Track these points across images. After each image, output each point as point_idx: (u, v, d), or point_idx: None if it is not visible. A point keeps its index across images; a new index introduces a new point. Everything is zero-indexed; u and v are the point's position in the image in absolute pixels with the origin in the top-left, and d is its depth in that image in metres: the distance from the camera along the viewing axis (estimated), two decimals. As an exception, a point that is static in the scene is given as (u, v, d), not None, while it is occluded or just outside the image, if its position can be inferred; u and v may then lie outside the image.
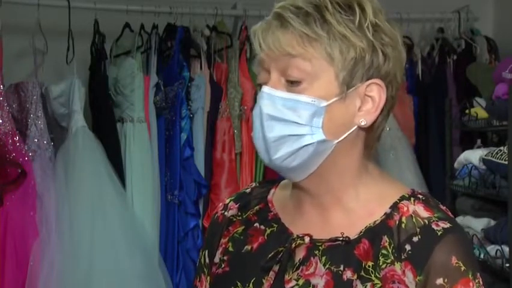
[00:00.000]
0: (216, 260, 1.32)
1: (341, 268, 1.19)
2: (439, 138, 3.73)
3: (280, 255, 1.22)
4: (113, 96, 3.57)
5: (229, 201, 1.36)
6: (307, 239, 1.22)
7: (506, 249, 2.79)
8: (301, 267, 1.21)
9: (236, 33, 3.79)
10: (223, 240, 1.32)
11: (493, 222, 3.01)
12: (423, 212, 1.20)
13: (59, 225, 3.25)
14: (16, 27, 3.47)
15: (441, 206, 1.23)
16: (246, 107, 3.68)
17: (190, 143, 3.57)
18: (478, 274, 1.18)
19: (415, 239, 1.18)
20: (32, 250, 3.19)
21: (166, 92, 3.58)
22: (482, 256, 2.89)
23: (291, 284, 1.21)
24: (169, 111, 3.58)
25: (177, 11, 3.67)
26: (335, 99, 1.17)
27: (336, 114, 1.18)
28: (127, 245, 3.34)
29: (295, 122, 1.17)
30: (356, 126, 1.20)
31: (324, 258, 1.21)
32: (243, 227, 1.31)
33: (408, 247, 1.18)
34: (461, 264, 1.17)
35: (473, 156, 3.08)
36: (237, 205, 1.34)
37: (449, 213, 1.23)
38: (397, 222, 1.20)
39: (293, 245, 1.22)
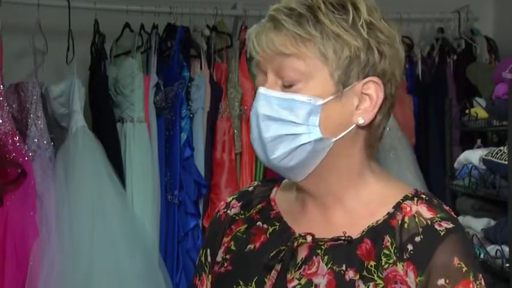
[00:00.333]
0: (218, 258, 1.31)
1: (343, 268, 1.19)
2: (439, 138, 3.73)
3: (282, 254, 1.22)
4: (113, 96, 3.57)
5: (232, 200, 1.36)
6: (309, 238, 1.22)
7: (506, 249, 2.79)
8: (303, 267, 1.22)
9: (236, 33, 3.79)
10: (225, 239, 1.32)
11: (493, 222, 3.01)
12: (426, 213, 1.20)
13: (59, 225, 3.25)
14: (16, 27, 3.47)
15: (445, 206, 1.23)
16: (246, 107, 3.68)
17: (190, 143, 3.57)
18: (480, 275, 1.18)
19: (417, 239, 1.18)
20: (32, 250, 3.19)
21: (166, 92, 3.58)
22: (482, 256, 2.90)
23: (293, 284, 1.21)
24: (169, 111, 3.58)
25: (177, 11, 3.67)
26: (330, 97, 1.17)
27: (333, 113, 1.18)
28: (127, 245, 3.34)
29: (292, 121, 1.17)
30: (354, 125, 1.20)
31: (326, 257, 1.21)
32: (245, 226, 1.31)
33: (410, 247, 1.18)
34: (463, 265, 1.17)
35: (473, 156, 3.08)
36: (240, 203, 1.34)
37: (452, 213, 1.23)
38: (400, 222, 1.20)
39: (295, 244, 1.22)
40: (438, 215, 1.20)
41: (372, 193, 1.24)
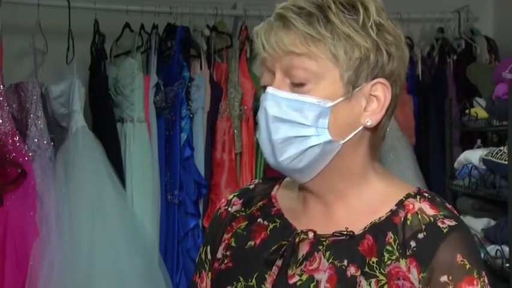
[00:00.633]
0: (219, 255, 1.31)
1: (345, 263, 1.19)
2: (439, 138, 3.73)
3: (283, 249, 1.22)
4: (113, 96, 3.57)
5: (233, 197, 1.36)
6: (311, 234, 1.22)
7: (506, 249, 2.79)
8: (304, 263, 1.21)
9: (236, 33, 3.79)
10: (226, 236, 1.32)
11: (493, 222, 3.01)
12: (429, 210, 1.20)
13: (59, 225, 3.25)
14: (16, 27, 3.47)
15: (447, 205, 1.23)
16: (246, 107, 3.68)
17: (190, 143, 3.57)
18: (483, 273, 1.18)
19: (420, 235, 1.18)
20: (32, 250, 3.19)
21: (166, 92, 3.58)
22: (482, 256, 2.89)
23: (294, 279, 1.21)
24: (169, 111, 3.58)
25: (177, 11, 3.67)
26: (340, 99, 1.17)
27: (342, 115, 1.17)
28: (127, 245, 3.34)
29: (301, 123, 1.16)
30: (361, 127, 1.20)
31: (328, 253, 1.20)
32: (246, 223, 1.31)
33: (413, 244, 1.17)
34: (466, 262, 1.16)
35: (473, 156, 3.08)
36: (241, 201, 1.34)
37: (455, 211, 1.23)
38: (402, 218, 1.20)
39: (297, 240, 1.22)
40: (441, 213, 1.20)
41: (375, 192, 1.24)
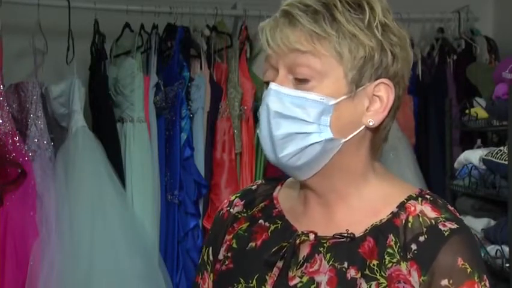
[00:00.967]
0: (220, 256, 1.31)
1: (345, 265, 1.19)
2: (439, 138, 3.73)
3: (284, 251, 1.22)
4: (113, 96, 3.57)
5: (235, 198, 1.36)
6: (312, 236, 1.22)
7: (506, 249, 2.79)
8: (305, 264, 1.21)
9: (236, 33, 3.79)
10: (227, 237, 1.32)
11: (493, 222, 3.01)
12: (430, 212, 1.20)
13: (59, 225, 3.25)
14: (16, 27, 3.47)
15: (449, 207, 1.22)
16: (246, 107, 3.68)
17: (190, 143, 3.57)
18: (485, 276, 1.17)
19: (421, 238, 1.17)
20: (32, 250, 3.19)
21: (166, 92, 3.58)
22: (482, 256, 2.89)
23: (294, 281, 1.21)
24: (169, 111, 3.58)
25: (177, 11, 3.67)
26: (343, 97, 1.17)
27: (345, 113, 1.17)
28: (127, 245, 3.34)
29: (303, 120, 1.16)
30: (363, 126, 1.20)
31: (328, 255, 1.20)
32: (247, 224, 1.30)
33: (414, 247, 1.17)
34: (467, 266, 1.16)
35: (473, 156, 3.08)
36: (242, 202, 1.34)
37: (457, 214, 1.22)
38: (404, 221, 1.19)
39: (297, 241, 1.22)
40: (443, 215, 1.19)
41: (376, 193, 1.23)
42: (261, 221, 1.29)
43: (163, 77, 3.61)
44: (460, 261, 1.16)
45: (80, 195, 3.33)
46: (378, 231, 1.19)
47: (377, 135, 1.23)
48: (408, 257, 1.17)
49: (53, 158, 3.37)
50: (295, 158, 1.18)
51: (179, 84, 3.57)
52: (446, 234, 1.17)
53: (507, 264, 2.78)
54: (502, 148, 2.91)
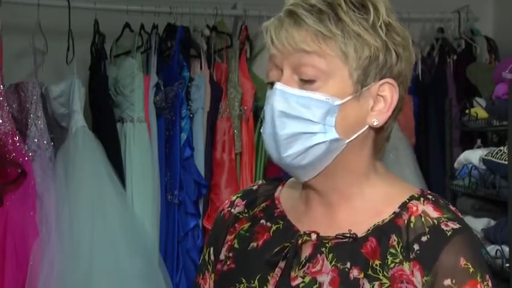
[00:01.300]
0: (222, 257, 1.31)
1: (348, 266, 1.19)
2: (439, 138, 3.73)
3: (286, 251, 1.21)
4: (113, 96, 3.57)
5: (236, 198, 1.36)
6: (314, 236, 1.21)
7: (506, 249, 2.79)
8: (307, 265, 1.21)
9: (236, 33, 3.79)
10: (229, 237, 1.32)
11: (493, 222, 3.02)
12: (432, 212, 1.20)
13: (59, 225, 3.25)
14: (16, 27, 3.47)
15: (451, 207, 1.22)
16: (246, 107, 3.68)
17: (190, 143, 3.57)
18: (487, 276, 1.17)
19: (424, 238, 1.17)
20: (32, 250, 3.19)
21: (166, 92, 3.58)
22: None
23: (297, 282, 1.21)
24: (169, 111, 3.58)
25: (177, 11, 3.67)
26: (349, 97, 1.17)
27: (350, 113, 1.18)
28: (127, 245, 3.34)
29: (309, 120, 1.16)
30: (367, 126, 1.20)
31: (330, 255, 1.20)
32: (249, 224, 1.30)
33: (416, 247, 1.17)
34: (470, 266, 1.16)
35: (473, 156, 3.08)
36: (244, 202, 1.34)
37: (459, 214, 1.22)
38: (406, 221, 1.19)
39: (299, 241, 1.22)
40: (445, 215, 1.19)
41: (378, 193, 1.23)
42: (262, 221, 1.29)
43: (163, 77, 3.61)
44: (462, 261, 1.16)
45: (80, 195, 3.33)
46: (381, 232, 1.19)
47: (379, 135, 1.23)
48: (411, 257, 1.17)
49: (53, 158, 3.37)
50: (299, 158, 1.18)
51: (179, 84, 3.57)
52: (448, 234, 1.17)
53: (507, 264, 2.78)
54: (502, 148, 2.92)
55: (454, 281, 1.15)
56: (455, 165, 3.28)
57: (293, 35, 1.16)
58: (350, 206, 1.23)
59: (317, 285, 1.19)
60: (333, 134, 1.17)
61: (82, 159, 3.37)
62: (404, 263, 1.17)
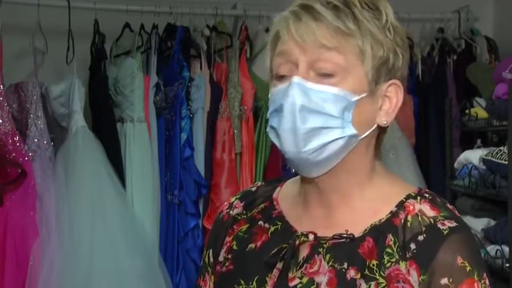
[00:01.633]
0: (221, 258, 1.31)
1: (345, 266, 1.19)
2: (439, 138, 3.73)
3: (284, 252, 1.22)
4: (113, 96, 3.57)
5: (234, 200, 1.36)
6: (311, 237, 1.22)
7: (506, 249, 2.79)
8: (305, 265, 1.21)
9: (236, 33, 3.79)
10: (227, 239, 1.32)
11: (493, 222, 3.01)
12: (429, 211, 1.20)
13: (59, 225, 3.25)
14: (16, 27, 3.47)
15: (448, 205, 1.22)
16: (246, 107, 3.68)
17: (190, 143, 3.57)
18: (485, 274, 1.17)
19: (420, 237, 1.17)
20: (32, 250, 3.19)
21: (166, 92, 3.58)
22: (482, 256, 2.89)
23: (294, 282, 1.21)
24: (169, 111, 3.58)
25: (177, 11, 3.67)
26: (364, 95, 1.18)
27: (364, 111, 1.18)
28: (127, 245, 3.34)
29: (329, 114, 1.16)
30: (376, 125, 1.21)
31: (328, 256, 1.20)
32: (247, 225, 1.30)
33: (413, 246, 1.17)
34: (467, 264, 1.16)
35: (473, 156, 3.08)
36: (242, 203, 1.34)
37: (456, 212, 1.22)
38: (403, 220, 1.19)
39: (297, 242, 1.22)
40: (442, 214, 1.20)
41: (377, 192, 1.24)
42: (260, 222, 1.29)
43: (163, 77, 3.61)
44: (459, 260, 1.16)
45: (80, 195, 3.32)
46: (378, 231, 1.19)
47: (382, 135, 1.24)
48: (407, 256, 1.17)
49: (53, 158, 3.37)
50: (316, 153, 1.17)
51: (179, 84, 3.57)
52: (445, 233, 1.17)
53: (507, 264, 2.78)
54: (502, 148, 2.91)
55: (450, 280, 1.15)
56: (455, 165, 3.28)
57: (314, 30, 1.16)
58: (349, 206, 1.23)
59: (315, 285, 1.19)
60: (351, 130, 1.17)
61: (82, 159, 3.37)
62: (401, 262, 1.17)
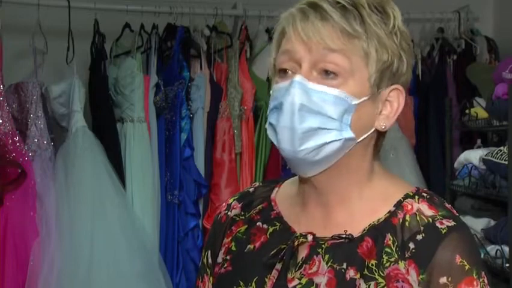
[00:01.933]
0: (219, 259, 1.31)
1: (344, 266, 1.19)
2: (439, 138, 3.73)
3: (282, 253, 1.21)
4: (113, 96, 3.57)
5: (232, 201, 1.36)
6: (310, 237, 1.22)
7: (506, 249, 2.79)
8: (304, 266, 1.21)
9: (236, 33, 3.79)
10: (226, 240, 1.32)
11: (493, 222, 3.01)
12: (427, 210, 1.20)
13: (59, 225, 3.25)
14: (16, 27, 3.47)
15: (446, 204, 1.23)
16: (246, 107, 3.68)
17: (190, 143, 3.57)
18: (483, 273, 1.17)
19: (419, 237, 1.17)
20: (32, 250, 3.19)
21: (166, 92, 3.58)
22: (482, 256, 2.89)
23: (293, 283, 1.21)
24: (169, 111, 3.58)
25: (177, 11, 3.67)
26: (365, 98, 1.17)
27: (363, 114, 1.18)
28: (127, 245, 3.35)
29: (328, 116, 1.16)
30: (374, 129, 1.21)
31: (327, 256, 1.20)
32: (245, 227, 1.30)
33: (412, 245, 1.17)
34: (466, 263, 1.16)
35: (473, 156, 3.09)
36: (240, 204, 1.34)
37: (454, 211, 1.22)
38: (401, 220, 1.20)
39: (296, 243, 1.22)
40: (440, 213, 1.20)
41: (375, 192, 1.24)
42: (259, 223, 1.29)
43: (163, 77, 3.61)
44: (458, 259, 1.16)
45: (80, 195, 3.33)
46: (376, 231, 1.20)
47: (381, 138, 1.24)
48: (406, 255, 1.17)
49: (53, 158, 3.37)
50: (313, 153, 1.17)
51: (179, 84, 3.57)
52: (443, 232, 1.17)
53: (507, 264, 2.78)
54: (502, 148, 2.91)
55: (449, 279, 1.15)
56: (455, 165, 3.28)
57: (319, 30, 1.15)
58: (347, 206, 1.23)
59: (314, 286, 1.19)
60: (348, 133, 1.17)
61: (82, 159, 3.37)
62: (400, 262, 1.17)
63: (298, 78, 1.16)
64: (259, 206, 1.31)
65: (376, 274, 1.17)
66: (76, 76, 3.47)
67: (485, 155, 2.97)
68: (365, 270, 1.17)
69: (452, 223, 1.18)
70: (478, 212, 3.11)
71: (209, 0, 3.77)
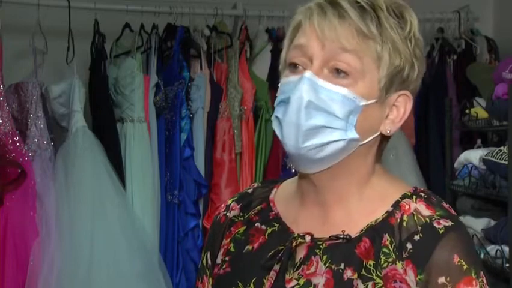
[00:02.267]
0: (218, 261, 1.31)
1: (342, 267, 1.18)
2: (439, 138, 3.73)
3: (280, 254, 1.21)
4: (113, 96, 3.57)
5: (231, 202, 1.36)
6: (308, 238, 1.21)
7: (506, 249, 2.79)
8: (302, 267, 1.21)
9: (236, 33, 3.79)
10: (225, 241, 1.32)
11: (493, 222, 3.01)
12: (425, 210, 1.20)
13: (59, 225, 3.25)
14: (16, 27, 3.47)
15: (444, 204, 1.22)
16: (246, 107, 3.68)
17: (190, 143, 3.57)
18: (482, 272, 1.17)
19: (416, 237, 1.17)
20: (32, 250, 3.19)
21: (166, 92, 3.58)
22: (482, 256, 2.90)
23: (292, 284, 1.21)
24: (169, 111, 3.58)
25: (177, 11, 3.67)
26: (372, 101, 1.17)
27: (369, 117, 1.18)
28: (127, 245, 3.35)
29: (334, 115, 1.16)
30: (379, 133, 1.21)
31: (325, 257, 1.20)
32: (244, 227, 1.30)
33: (409, 246, 1.17)
34: (464, 263, 1.16)
35: (473, 156, 3.09)
36: (239, 205, 1.34)
37: (452, 210, 1.22)
38: (398, 220, 1.19)
39: (294, 244, 1.22)
40: (437, 213, 1.19)
41: (373, 192, 1.24)
42: (257, 224, 1.29)
43: (163, 77, 3.61)
44: (456, 258, 1.16)
45: (80, 195, 3.33)
46: (374, 232, 1.19)
47: (384, 142, 1.24)
48: (404, 256, 1.17)
49: (53, 158, 3.37)
50: (315, 151, 1.17)
51: (179, 84, 3.57)
52: (441, 232, 1.17)
53: (507, 264, 2.78)
54: (502, 148, 2.91)
55: (448, 279, 1.15)
56: (455, 165, 3.28)
57: (335, 28, 1.15)
58: (345, 206, 1.23)
59: (312, 287, 1.19)
60: (353, 134, 1.17)
61: (82, 159, 3.37)
62: (397, 262, 1.17)
63: (308, 74, 1.16)
64: (258, 207, 1.31)
65: (374, 274, 1.17)
66: (76, 76, 3.47)
67: (485, 155, 2.97)
68: (363, 270, 1.17)
69: (450, 223, 1.18)
70: (478, 212, 3.11)
71: (209, 0, 3.77)
